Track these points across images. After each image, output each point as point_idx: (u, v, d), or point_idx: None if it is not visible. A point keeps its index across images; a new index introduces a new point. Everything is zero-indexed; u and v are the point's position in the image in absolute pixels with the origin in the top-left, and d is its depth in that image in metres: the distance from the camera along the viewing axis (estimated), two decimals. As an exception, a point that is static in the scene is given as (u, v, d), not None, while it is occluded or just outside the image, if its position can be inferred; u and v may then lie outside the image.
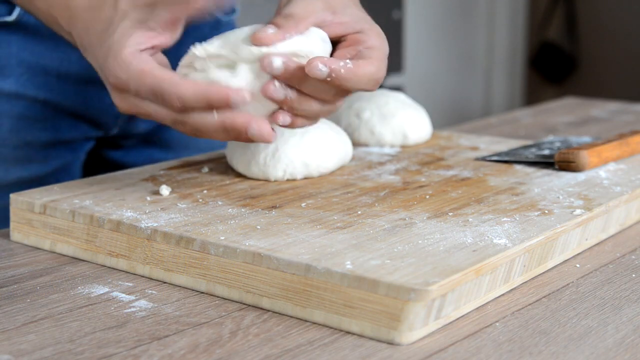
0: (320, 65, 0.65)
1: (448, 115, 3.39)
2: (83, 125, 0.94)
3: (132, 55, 0.66)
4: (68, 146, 0.94)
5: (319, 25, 0.71)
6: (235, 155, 0.81)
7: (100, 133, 0.96)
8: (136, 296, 0.62)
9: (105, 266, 0.68)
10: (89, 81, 0.91)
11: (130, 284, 0.64)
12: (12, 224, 0.74)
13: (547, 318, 0.59)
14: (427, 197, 0.74)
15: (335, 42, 0.72)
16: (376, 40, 0.71)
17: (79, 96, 0.91)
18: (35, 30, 0.87)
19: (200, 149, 1.03)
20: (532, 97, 3.66)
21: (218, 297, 0.62)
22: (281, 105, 0.68)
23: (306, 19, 0.70)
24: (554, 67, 3.64)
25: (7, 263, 0.68)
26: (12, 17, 0.85)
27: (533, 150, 0.92)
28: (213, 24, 1.04)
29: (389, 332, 0.55)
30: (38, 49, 0.87)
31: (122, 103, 0.69)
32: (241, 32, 0.69)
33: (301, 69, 0.66)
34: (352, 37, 0.72)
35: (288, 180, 0.79)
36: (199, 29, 1.01)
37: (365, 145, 0.95)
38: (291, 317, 0.58)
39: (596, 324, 0.58)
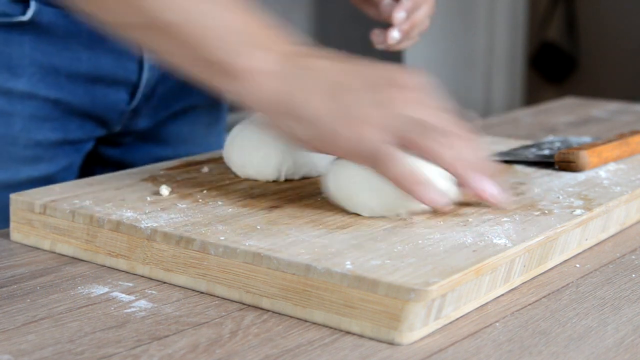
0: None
1: (448, 115, 3.38)
2: (89, 125, 0.94)
3: None
4: (74, 146, 0.95)
5: None
6: (233, 156, 0.81)
7: (104, 131, 0.97)
8: (136, 296, 0.62)
9: (105, 266, 0.68)
10: (97, 80, 0.91)
11: (130, 284, 0.64)
12: (12, 224, 0.74)
13: (547, 318, 0.59)
14: (427, 197, 0.74)
15: None
16: None
17: (87, 95, 0.91)
18: (48, 30, 0.87)
19: (197, 144, 1.03)
20: (532, 97, 3.66)
21: (218, 297, 0.62)
22: None
23: None
24: (554, 67, 3.63)
25: (7, 263, 0.68)
26: (26, 17, 0.85)
27: (533, 150, 0.92)
28: None
29: (389, 332, 0.55)
30: (50, 48, 0.87)
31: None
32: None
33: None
34: None
35: (287, 180, 0.79)
36: None
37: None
38: (291, 317, 0.58)
39: (596, 324, 0.58)
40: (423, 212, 0.68)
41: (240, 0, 0.67)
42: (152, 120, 0.99)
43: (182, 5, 0.66)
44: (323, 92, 0.65)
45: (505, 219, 0.68)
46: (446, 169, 0.66)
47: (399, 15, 0.90)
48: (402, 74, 0.67)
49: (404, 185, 0.65)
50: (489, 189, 0.67)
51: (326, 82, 0.65)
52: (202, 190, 0.75)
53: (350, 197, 0.68)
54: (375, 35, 0.91)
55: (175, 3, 0.66)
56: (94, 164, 1.01)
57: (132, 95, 0.94)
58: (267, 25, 0.68)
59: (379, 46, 0.91)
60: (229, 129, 1.10)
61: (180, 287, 0.64)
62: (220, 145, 1.06)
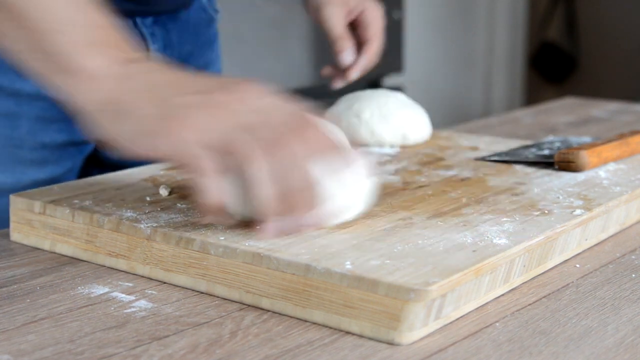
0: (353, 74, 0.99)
1: (448, 115, 3.39)
2: None
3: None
4: (78, 147, 0.95)
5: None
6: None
7: None
8: (136, 296, 0.62)
9: (105, 266, 0.68)
10: None
11: (130, 284, 0.64)
12: (12, 224, 0.74)
13: (547, 318, 0.59)
14: (427, 197, 0.74)
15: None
16: (374, 16, 1.00)
17: None
18: None
19: None
20: (532, 97, 3.66)
21: (218, 297, 0.62)
22: None
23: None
24: (554, 67, 3.63)
25: (7, 263, 0.68)
26: None
27: (533, 150, 0.92)
28: (207, 19, 1.04)
29: (388, 332, 0.55)
30: None
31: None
32: None
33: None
34: (358, 19, 1.00)
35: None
36: (195, 27, 1.02)
37: (365, 145, 0.95)
38: (291, 317, 0.58)
39: (596, 324, 0.58)
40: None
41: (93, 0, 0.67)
42: None
43: None
44: (152, 94, 0.63)
45: (505, 219, 0.68)
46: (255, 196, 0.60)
47: (354, 75, 1.00)
48: (237, 81, 0.64)
49: (200, 198, 0.61)
50: (271, 232, 0.61)
51: (157, 85, 0.64)
52: (202, 190, 0.75)
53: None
54: (325, 70, 1.01)
55: None
56: (93, 167, 1.01)
57: None
58: (111, 28, 0.67)
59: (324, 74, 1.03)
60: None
61: (180, 287, 0.64)
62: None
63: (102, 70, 0.64)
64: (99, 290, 0.63)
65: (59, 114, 0.90)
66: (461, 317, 0.58)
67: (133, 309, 0.59)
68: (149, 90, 0.64)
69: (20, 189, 0.84)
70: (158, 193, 0.74)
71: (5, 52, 0.68)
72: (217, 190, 0.60)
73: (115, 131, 0.64)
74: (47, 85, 0.67)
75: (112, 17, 0.67)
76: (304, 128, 0.61)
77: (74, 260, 0.69)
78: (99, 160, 1.01)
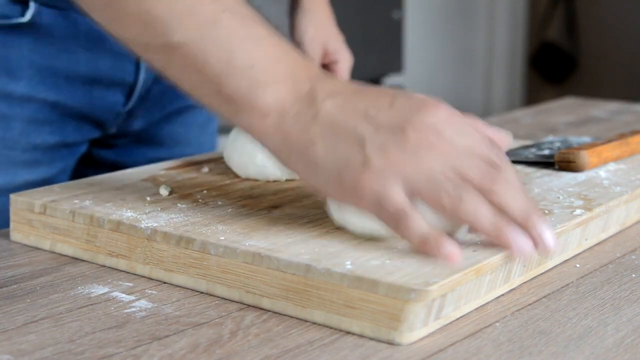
0: None
1: (448, 115, 3.39)
2: (86, 127, 0.94)
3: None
4: (70, 149, 0.95)
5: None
6: (234, 157, 0.81)
7: (99, 133, 0.97)
8: (136, 296, 0.62)
9: (105, 266, 0.68)
10: (95, 81, 0.91)
11: (130, 284, 0.64)
12: (12, 224, 0.74)
13: (547, 318, 0.59)
14: (427, 197, 0.74)
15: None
16: (343, 71, 1.03)
17: (85, 96, 0.91)
18: (47, 31, 0.86)
19: (191, 145, 1.03)
20: (532, 97, 3.66)
21: (218, 297, 0.62)
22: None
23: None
24: (554, 67, 3.64)
25: (7, 263, 0.68)
26: (25, 19, 0.85)
27: (533, 150, 0.92)
28: None
29: (389, 332, 0.55)
30: (48, 50, 0.87)
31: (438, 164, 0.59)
32: None
33: None
34: (329, 66, 1.03)
35: (288, 180, 0.80)
36: None
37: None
38: (291, 317, 0.58)
39: (596, 324, 0.58)
40: None
41: (260, 27, 0.64)
42: (146, 121, 0.99)
43: (197, 29, 0.62)
44: (339, 137, 0.60)
45: (505, 219, 0.68)
46: (485, 234, 0.60)
47: None
48: (424, 104, 0.61)
49: (422, 249, 0.59)
50: (527, 246, 0.60)
51: (341, 123, 0.60)
52: (202, 190, 0.76)
53: (358, 221, 0.63)
54: None
55: (191, 25, 0.62)
56: (88, 167, 1.01)
57: (128, 96, 0.94)
58: (289, 59, 0.63)
59: None
60: (221, 129, 1.10)
61: (180, 287, 0.64)
62: (213, 146, 1.07)
63: (283, 111, 0.61)
64: (99, 290, 0.63)
65: (50, 116, 0.90)
66: (461, 317, 0.58)
67: (133, 309, 0.59)
68: (334, 131, 0.60)
69: (12, 189, 0.84)
70: (158, 193, 0.74)
71: (187, 94, 0.66)
72: (434, 233, 0.58)
73: (311, 178, 0.62)
74: (235, 125, 0.65)
75: (288, 44, 0.64)
76: (503, 171, 0.60)
77: (74, 260, 0.69)
78: (92, 160, 1.01)
